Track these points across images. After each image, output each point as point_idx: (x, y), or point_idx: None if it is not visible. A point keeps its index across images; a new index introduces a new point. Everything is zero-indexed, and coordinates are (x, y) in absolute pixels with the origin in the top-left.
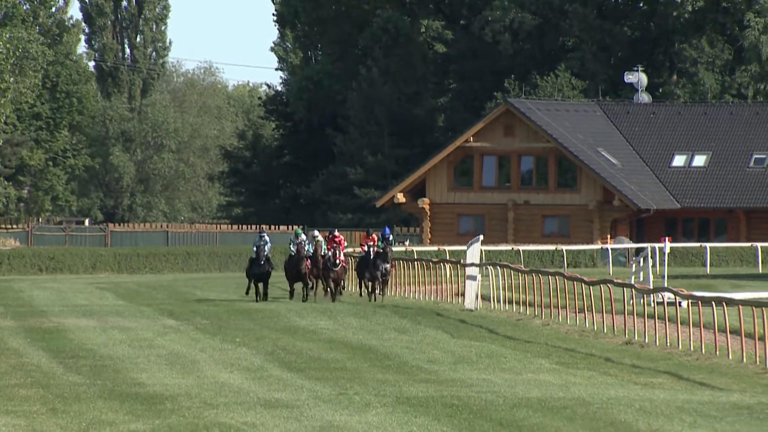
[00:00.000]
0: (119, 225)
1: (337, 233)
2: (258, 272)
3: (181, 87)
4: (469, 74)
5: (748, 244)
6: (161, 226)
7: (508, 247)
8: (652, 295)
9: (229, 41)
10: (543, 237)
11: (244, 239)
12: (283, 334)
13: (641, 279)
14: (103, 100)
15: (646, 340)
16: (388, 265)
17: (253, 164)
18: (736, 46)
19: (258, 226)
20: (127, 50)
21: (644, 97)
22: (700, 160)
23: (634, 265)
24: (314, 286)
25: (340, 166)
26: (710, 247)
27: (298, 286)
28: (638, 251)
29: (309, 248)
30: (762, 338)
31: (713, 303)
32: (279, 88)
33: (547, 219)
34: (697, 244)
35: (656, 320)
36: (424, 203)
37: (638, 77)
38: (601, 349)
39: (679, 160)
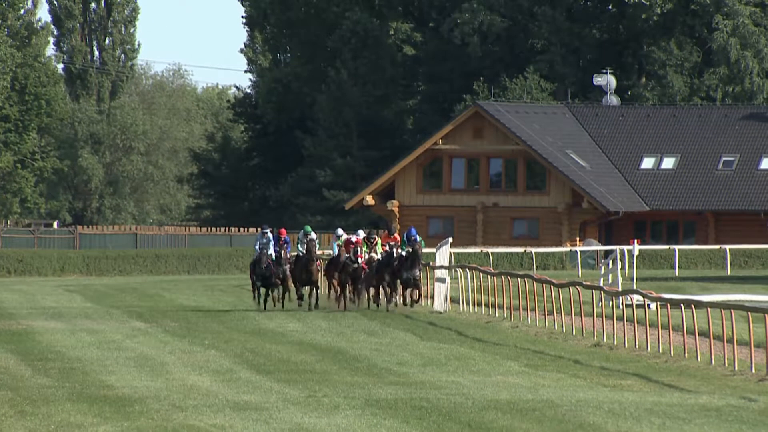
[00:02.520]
0: (88, 227)
1: (354, 237)
2: (262, 274)
3: (150, 89)
4: (438, 76)
5: (717, 247)
6: (130, 229)
7: (477, 250)
8: (620, 298)
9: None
10: (512, 239)
11: (213, 241)
12: (252, 337)
13: (610, 281)
14: (71, 103)
15: (615, 343)
16: (417, 271)
17: (222, 166)
18: (705, 49)
19: (227, 228)
20: (96, 52)
21: (613, 100)
22: (668, 163)
23: (602, 268)
24: (339, 292)
25: (309, 168)
26: (679, 250)
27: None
28: (607, 253)
29: (334, 248)
30: (730, 341)
31: (682, 305)
32: (248, 90)
33: (516, 221)
34: (666, 247)
35: (625, 322)
36: (393, 205)
37: (607, 80)
38: (570, 351)
39: (647, 163)
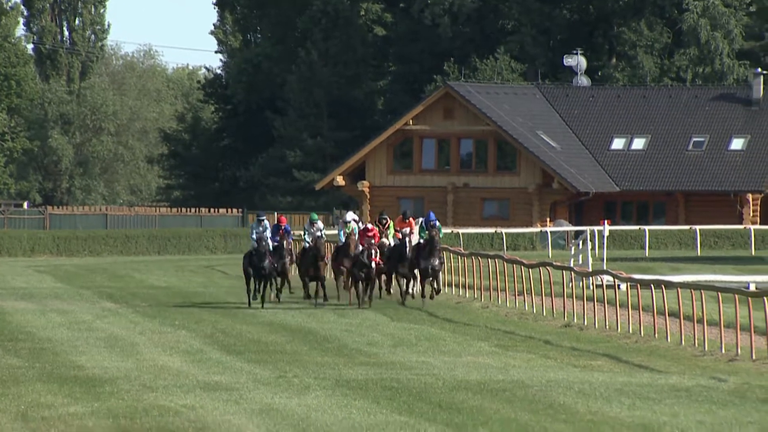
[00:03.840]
0: (58, 208)
1: (370, 225)
2: (259, 267)
3: (120, 70)
4: (409, 57)
5: (687, 227)
6: (100, 209)
7: (448, 230)
8: (591, 278)
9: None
10: (482, 220)
11: (184, 222)
12: (223, 317)
13: (580, 262)
14: (41, 83)
15: (585, 323)
16: (437, 261)
17: (192, 147)
18: (675, 30)
19: (197, 209)
20: (66, 33)
21: (583, 81)
22: (639, 143)
23: (573, 248)
24: (347, 284)
25: (280, 148)
26: (649, 230)
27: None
28: (577, 234)
29: (340, 233)
30: (700, 321)
31: (652, 286)
32: (218, 70)
33: (487, 202)
34: (636, 227)
35: (595, 303)
36: (364, 186)
37: (577, 60)
38: (540, 331)
39: (618, 143)
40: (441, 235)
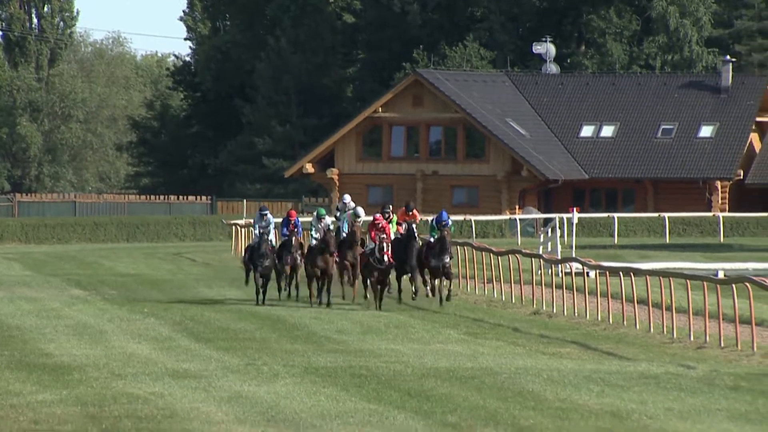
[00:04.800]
0: (26, 195)
1: (378, 215)
2: (262, 263)
3: (89, 57)
4: (378, 44)
5: (656, 215)
6: (69, 197)
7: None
8: (560, 266)
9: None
10: (451, 207)
11: (152, 209)
12: (191, 305)
13: (549, 249)
14: (10, 70)
15: (554, 311)
16: (447, 258)
17: (161, 134)
18: (644, 17)
19: (166, 196)
20: (35, 20)
21: (552, 68)
22: (608, 131)
23: (542, 236)
24: (352, 279)
25: (249, 136)
26: (618, 218)
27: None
28: (546, 222)
29: (344, 224)
30: (669, 308)
31: (621, 273)
32: (187, 58)
33: (456, 189)
34: (605, 215)
35: (564, 290)
36: (333, 173)
37: (546, 48)
38: (509, 319)
39: (587, 131)
40: (450, 227)
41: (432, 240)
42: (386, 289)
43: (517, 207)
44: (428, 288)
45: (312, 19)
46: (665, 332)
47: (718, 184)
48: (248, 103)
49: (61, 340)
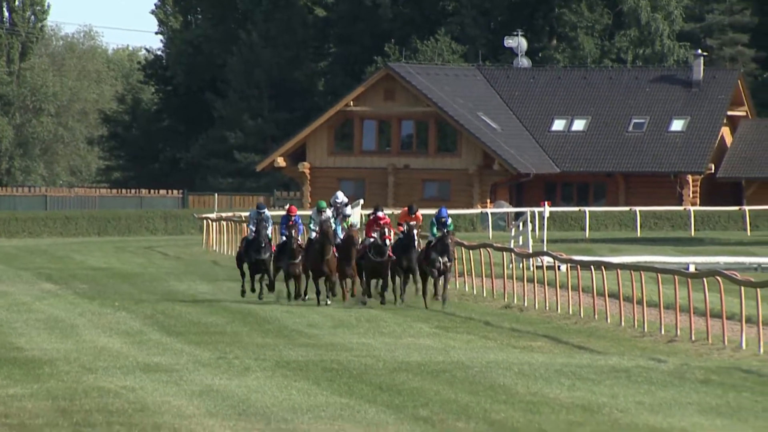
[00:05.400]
0: None
1: (381, 213)
2: (258, 259)
3: (61, 51)
4: (350, 38)
5: (627, 209)
6: (40, 191)
7: (389, 212)
8: (531, 259)
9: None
10: (423, 201)
11: (124, 203)
12: (163, 299)
13: (521, 243)
14: None
15: (526, 304)
16: (447, 258)
17: (132, 128)
18: (616, 11)
19: (137, 190)
20: (6, 13)
21: (524, 62)
22: (579, 125)
23: (513, 230)
24: (352, 282)
25: (220, 130)
26: (589, 212)
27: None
28: (518, 215)
29: (337, 228)
30: (640, 302)
31: (592, 267)
32: (159, 52)
33: (427, 183)
34: (576, 209)
35: (535, 284)
36: (305, 167)
37: (518, 42)
38: (480, 313)
39: (558, 125)
40: (450, 229)
41: (433, 239)
42: (385, 289)
43: (488, 201)
44: (418, 286)
45: (283, 13)
46: (636, 326)
47: (690, 178)
48: (220, 97)
49: (32, 334)
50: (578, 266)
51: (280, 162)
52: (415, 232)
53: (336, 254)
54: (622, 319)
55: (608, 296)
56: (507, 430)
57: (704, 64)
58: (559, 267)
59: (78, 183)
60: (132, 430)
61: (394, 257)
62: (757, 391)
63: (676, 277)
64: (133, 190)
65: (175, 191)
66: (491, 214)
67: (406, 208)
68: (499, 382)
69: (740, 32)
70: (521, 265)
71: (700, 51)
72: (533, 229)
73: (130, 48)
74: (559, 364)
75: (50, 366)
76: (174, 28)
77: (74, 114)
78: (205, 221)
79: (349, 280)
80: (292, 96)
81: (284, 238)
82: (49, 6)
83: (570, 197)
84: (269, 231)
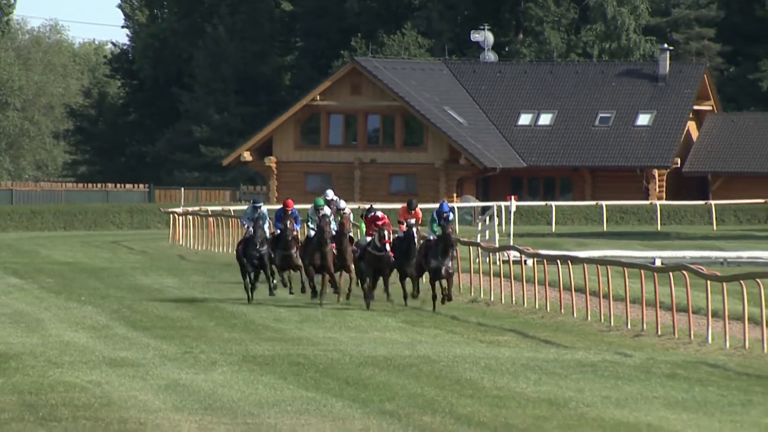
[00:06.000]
0: None
1: (379, 213)
2: (256, 256)
3: (26, 45)
4: (316, 32)
5: (593, 203)
6: (6, 185)
7: (355, 206)
8: (497, 254)
9: None
10: (390, 195)
11: (90, 197)
12: (129, 293)
13: (487, 237)
14: None
15: (492, 299)
16: (450, 262)
17: (98, 122)
18: (582, 5)
19: (103, 184)
20: None
21: (490, 56)
22: (545, 119)
23: (480, 224)
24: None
25: (186, 124)
26: (556, 206)
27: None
28: (484, 210)
29: (333, 225)
30: (606, 296)
31: (558, 261)
32: (125, 46)
33: (394, 177)
34: (543, 203)
35: (502, 278)
36: (271, 161)
37: (484, 36)
38: (447, 307)
39: (525, 119)
40: (452, 221)
41: (432, 238)
42: (387, 288)
43: (455, 195)
44: (416, 290)
45: (250, 6)
46: (602, 320)
47: (656, 172)
48: (186, 91)
49: None
50: (545, 260)
51: (247, 156)
52: (415, 230)
53: (335, 251)
54: (589, 313)
55: (575, 291)
56: (473, 425)
57: (670, 59)
58: (525, 261)
59: (44, 177)
60: (98, 424)
61: (394, 257)
62: (723, 385)
63: (642, 271)
64: (99, 185)
65: (141, 185)
66: (458, 208)
67: (405, 205)
68: (465, 377)
69: (706, 26)
70: (488, 259)
71: (666, 45)
72: (500, 224)
73: (96, 42)
74: (526, 358)
75: (16, 360)
76: (140, 22)
77: (40, 108)
78: (171, 215)
79: (345, 275)
80: (259, 90)
81: (279, 231)
82: (15, 0)
83: (536, 192)
84: (267, 227)
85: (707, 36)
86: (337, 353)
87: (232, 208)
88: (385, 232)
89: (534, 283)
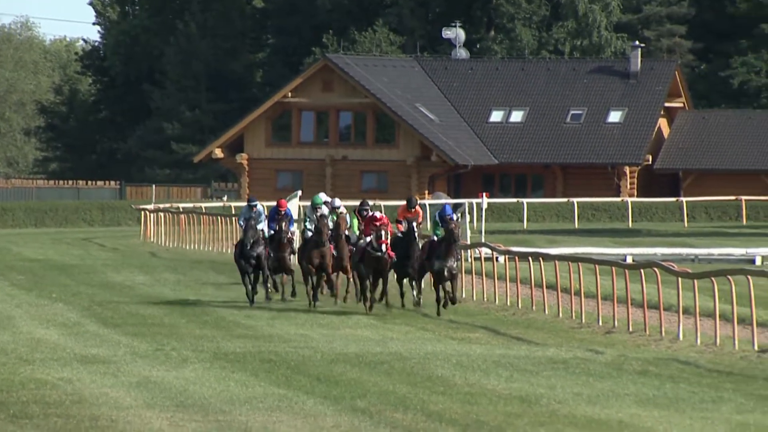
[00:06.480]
0: None
1: (378, 213)
2: (252, 256)
3: None
4: (287, 29)
5: (565, 200)
6: None
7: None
8: (469, 251)
9: None
10: (361, 192)
11: (61, 194)
12: (100, 290)
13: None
14: None
15: (464, 296)
16: (454, 263)
17: (69, 119)
18: (553, 2)
19: (74, 181)
20: None
21: (462, 53)
22: (517, 116)
23: None
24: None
25: (157, 121)
26: (527, 203)
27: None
28: (456, 207)
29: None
30: (578, 293)
31: (530, 258)
32: (96, 42)
33: (366, 174)
34: (515, 200)
35: (473, 275)
36: (242, 158)
37: (456, 33)
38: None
39: (496, 116)
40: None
41: (436, 239)
42: (384, 290)
43: (426, 192)
44: (417, 294)
45: (221, 3)
46: (574, 317)
47: (627, 169)
48: (157, 88)
49: None
50: (516, 257)
51: (218, 153)
52: (414, 225)
53: (334, 253)
54: (560, 310)
55: (546, 287)
56: (444, 422)
57: (642, 56)
58: (497, 258)
59: (15, 174)
60: (69, 421)
61: (394, 257)
62: (694, 382)
63: (613, 268)
64: (70, 182)
65: (112, 182)
66: (429, 205)
67: (405, 203)
68: (437, 374)
69: (677, 23)
70: (459, 256)
71: (637, 42)
72: (471, 221)
73: (68, 39)
74: (497, 355)
75: None
76: (111, 19)
77: (11, 105)
78: (142, 212)
79: (342, 276)
80: (230, 87)
81: (273, 231)
82: None
83: (508, 188)
84: (262, 227)
85: (678, 33)
86: (309, 350)
87: (203, 205)
88: (383, 233)
89: (505, 280)
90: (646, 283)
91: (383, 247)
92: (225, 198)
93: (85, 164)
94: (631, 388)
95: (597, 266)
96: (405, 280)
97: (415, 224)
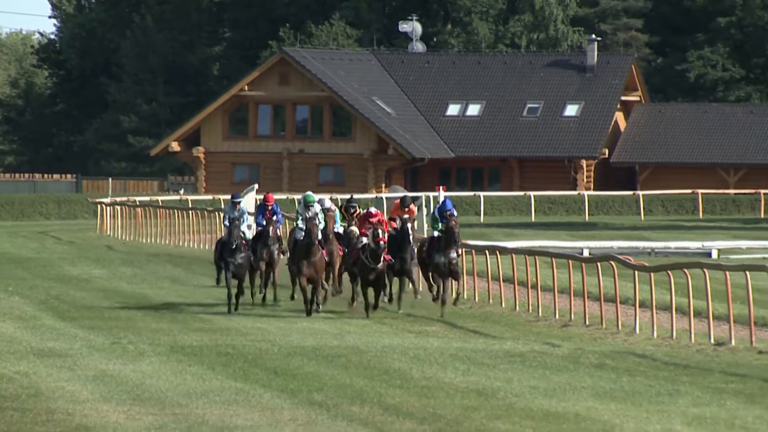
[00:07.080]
0: None
1: (373, 209)
2: (234, 260)
3: None
4: (244, 22)
5: (522, 193)
6: None
7: (283, 196)
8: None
9: None
10: (318, 186)
11: (17, 188)
12: (56, 283)
13: (415, 228)
14: None
15: (421, 289)
16: (454, 254)
17: (25, 112)
18: None
19: (31, 174)
20: None
21: (419, 47)
22: (474, 110)
23: None
24: (335, 282)
25: (114, 114)
26: (484, 196)
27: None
28: (413, 199)
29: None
30: (534, 287)
31: (487, 252)
32: (52, 36)
33: (322, 168)
34: (471, 193)
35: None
36: (199, 152)
37: (413, 26)
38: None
39: (453, 110)
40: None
41: (436, 234)
42: (381, 295)
43: (383, 186)
44: (433, 290)
45: None
46: (531, 310)
47: (584, 162)
48: (114, 81)
49: None
50: (473, 251)
51: (175, 146)
52: (409, 226)
53: (326, 257)
54: (517, 303)
55: (503, 281)
56: (402, 415)
57: (598, 49)
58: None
59: None
60: (25, 415)
61: (390, 259)
62: (650, 375)
63: (570, 261)
64: (26, 175)
65: (68, 176)
66: (386, 198)
67: (398, 201)
68: (394, 367)
69: (634, 17)
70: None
71: (594, 36)
72: (428, 214)
73: (24, 32)
74: (454, 348)
75: None
76: (67, 12)
77: None
78: (99, 206)
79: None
80: (187, 80)
81: (260, 227)
82: None
83: (465, 182)
84: (246, 226)
85: (635, 27)
86: (266, 343)
87: (160, 198)
88: (380, 231)
89: (462, 273)
90: (603, 276)
91: (382, 244)
92: (182, 191)
93: (42, 158)
94: (587, 381)
95: (554, 259)
96: (397, 280)
97: (409, 224)
